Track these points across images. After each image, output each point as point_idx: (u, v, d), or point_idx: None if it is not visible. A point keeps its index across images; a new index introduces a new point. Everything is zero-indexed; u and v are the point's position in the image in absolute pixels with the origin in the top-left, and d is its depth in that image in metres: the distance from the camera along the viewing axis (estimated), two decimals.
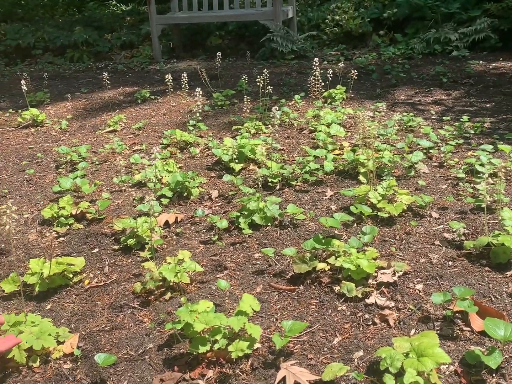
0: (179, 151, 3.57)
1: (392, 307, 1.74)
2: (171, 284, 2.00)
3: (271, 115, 3.99)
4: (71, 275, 2.15)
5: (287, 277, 2.01)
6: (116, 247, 2.39)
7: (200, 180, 2.95)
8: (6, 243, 2.55)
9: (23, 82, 4.61)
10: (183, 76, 3.98)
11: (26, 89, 4.62)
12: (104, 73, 4.92)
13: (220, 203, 2.76)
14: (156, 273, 1.97)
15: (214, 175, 3.15)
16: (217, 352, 1.57)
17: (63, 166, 3.53)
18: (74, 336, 1.78)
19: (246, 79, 4.35)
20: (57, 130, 4.47)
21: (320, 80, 3.85)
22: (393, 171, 2.80)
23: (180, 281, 1.98)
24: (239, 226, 2.38)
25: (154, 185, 2.90)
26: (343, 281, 1.84)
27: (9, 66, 8.13)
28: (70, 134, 4.34)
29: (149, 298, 1.97)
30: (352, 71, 3.99)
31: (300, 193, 2.74)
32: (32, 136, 4.39)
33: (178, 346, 1.69)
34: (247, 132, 3.63)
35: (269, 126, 3.84)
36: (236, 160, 3.13)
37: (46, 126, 4.63)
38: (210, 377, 1.54)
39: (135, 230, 2.37)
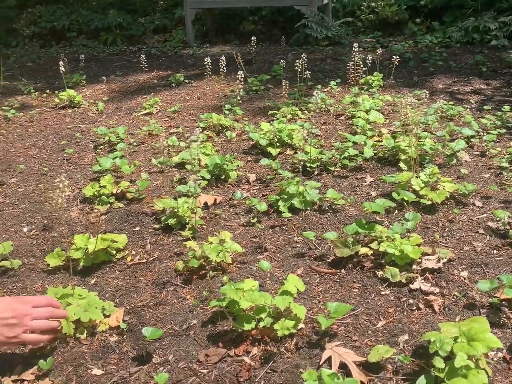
0: (215, 134, 3.58)
1: (437, 293, 1.73)
2: (213, 263, 2.02)
3: (307, 101, 3.99)
4: (114, 252, 2.18)
5: (328, 260, 2.02)
6: (156, 226, 2.42)
7: (238, 164, 2.96)
8: (49, 219, 2.60)
9: (61, 63, 4.67)
10: (221, 59, 3.98)
11: (64, 70, 4.68)
12: (141, 55, 4.95)
13: (258, 187, 2.76)
14: (199, 252, 2.00)
15: (251, 159, 3.15)
16: (262, 330, 1.59)
17: (101, 146, 3.58)
18: (119, 310, 1.82)
19: (284, 63, 4.32)
20: (94, 112, 4.52)
21: (361, 66, 3.81)
22: (434, 159, 2.76)
23: (222, 260, 2.00)
24: (278, 209, 2.39)
25: (193, 167, 2.91)
26: (386, 266, 1.83)
27: (44, 48, 8.24)
28: (106, 116, 4.39)
29: (191, 276, 2.00)
30: (394, 57, 3.93)
31: (339, 178, 2.73)
32: (69, 116, 4.45)
33: (222, 323, 1.71)
34: (283, 117, 3.62)
35: (305, 111, 3.83)
36: (273, 145, 3.13)
37: (82, 107, 4.69)
38: (255, 354, 1.55)
39: (176, 210, 2.39)
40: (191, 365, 1.55)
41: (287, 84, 3.67)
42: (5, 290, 2.03)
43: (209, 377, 1.50)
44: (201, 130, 3.68)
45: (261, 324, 1.57)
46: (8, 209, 2.79)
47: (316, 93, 2.61)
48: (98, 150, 3.53)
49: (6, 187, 3.09)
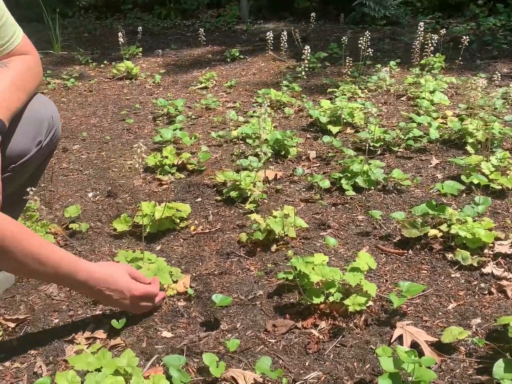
0: (273, 110, 3.57)
1: (510, 278, 1.69)
2: (277, 237, 2.03)
3: (367, 80, 3.91)
4: (178, 221, 2.22)
5: (394, 241, 1.99)
6: (218, 198, 2.44)
7: (297, 140, 2.94)
8: (113, 186, 2.66)
9: (120, 34, 4.73)
10: (283, 34, 3.94)
11: (122, 42, 4.73)
12: (200, 29, 4.95)
13: (318, 164, 2.75)
14: (263, 225, 2.00)
15: (310, 136, 3.13)
16: (331, 305, 1.59)
17: (160, 118, 3.62)
18: (186, 276, 1.85)
19: (346, 40, 4.23)
20: (151, 84, 4.57)
21: (429, 45, 3.70)
22: (502, 143, 2.68)
23: (287, 235, 2.00)
24: (341, 187, 2.37)
25: (253, 142, 2.92)
26: (457, 249, 1.80)
27: (99, 19, 8.36)
28: (163, 88, 4.43)
29: (255, 249, 2.01)
30: (464, 37, 3.79)
31: (403, 159, 2.69)
32: (127, 88, 4.52)
33: (288, 295, 1.72)
34: (342, 95, 3.57)
35: (365, 90, 3.76)
36: (333, 123, 3.10)
37: (139, 79, 4.74)
38: (323, 328, 1.56)
39: (238, 183, 2.40)
40: (258, 334, 1.57)
41: (350, 61, 3.61)
42: (73, 252, 2.09)
43: (277, 346, 1.52)
44: (258, 106, 3.68)
45: (331, 299, 1.57)
46: (72, 175, 2.86)
47: (385, 70, 2.57)
48: (157, 122, 3.57)
49: (70, 154, 3.17)
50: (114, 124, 3.60)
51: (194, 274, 1.88)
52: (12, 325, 1.67)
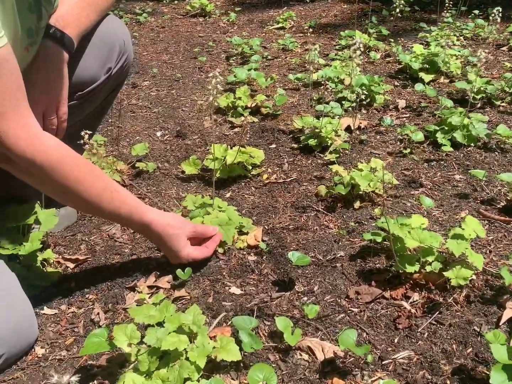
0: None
1: None
2: (361, 192, 1.80)
3: (462, 27, 3.50)
4: (250, 167, 2.03)
5: (498, 206, 1.72)
6: (294, 145, 2.22)
7: (385, 87, 2.65)
8: (182, 126, 2.49)
9: None
10: None
11: None
12: None
13: (408, 115, 2.46)
14: (347, 178, 1.78)
15: (398, 84, 2.83)
16: (426, 275, 1.37)
17: (234, 57, 3.40)
18: (258, 229, 1.67)
19: None
20: (225, 22, 4.33)
21: None
22: None
23: (373, 190, 1.77)
24: (436, 141, 2.09)
25: (336, 86, 2.65)
26: None
27: None
28: (238, 27, 4.18)
29: (335, 204, 1.80)
30: None
31: (506, 115, 2.36)
32: (200, 25, 4.30)
33: (374, 260, 1.51)
34: (435, 40, 3.20)
35: (460, 38, 3.37)
36: (426, 70, 2.77)
37: (213, 17, 4.51)
38: (416, 300, 1.34)
39: (317, 130, 2.17)
40: (339, 301, 1.38)
41: (450, 4, 3.22)
42: (139, 192, 1.95)
43: (360, 317, 1.32)
44: (340, 48, 3.38)
45: (428, 269, 1.34)
46: (141, 112, 2.72)
47: (496, 10, 2.21)
48: (230, 61, 3.35)
49: (139, 90, 3.03)
50: (186, 61, 3.41)
51: (266, 227, 1.70)
52: (71, 265, 1.56)
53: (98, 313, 1.37)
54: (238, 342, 1.18)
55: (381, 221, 1.45)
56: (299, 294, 1.41)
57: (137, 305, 1.39)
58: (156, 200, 1.89)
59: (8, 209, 1.53)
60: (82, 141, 1.36)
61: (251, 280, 1.47)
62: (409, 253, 1.40)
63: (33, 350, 1.28)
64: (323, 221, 1.72)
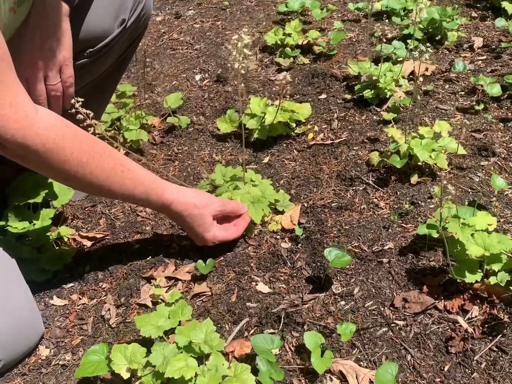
0: None
1: None
2: (420, 164, 1.53)
3: None
4: (293, 125, 1.78)
5: None
6: (347, 96, 1.93)
7: (459, 21, 2.25)
8: (223, 68, 2.24)
9: None
10: None
11: None
12: None
13: (485, 57, 2.08)
14: (404, 147, 1.51)
15: (476, 15, 2.40)
16: (491, 287, 1.13)
17: None
18: (296, 207, 1.46)
19: None
20: None
21: None
22: None
23: (435, 163, 1.49)
24: None
25: (401, 20, 2.28)
26: None
27: None
28: None
29: (388, 176, 1.54)
30: None
31: None
32: None
33: (428, 256, 1.28)
34: None
35: None
36: None
37: None
38: (475, 316, 1.12)
39: (375, 79, 1.87)
40: (382, 310, 1.17)
41: None
42: (169, 153, 1.77)
43: (406, 333, 1.12)
44: None
45: (492, 280, 1.10)
46: (182, 49, 2.47)
47: None
48: None
49: (182, 21, 2.76)
50: None
51: (305, 205, 1.48)
52: (88, 243, 1.43)
53: (109, 309, 1.24)
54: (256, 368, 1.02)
55: (436, 214, 1.20)
56: (336, 297, 1.21)
57: (151, 301, 1.24)
58: (186, 164, 1.70)
59: (17, 180, 1.39)
60: (73, 111, 1.14)
61: (282, 274, 1.28)
62: (471, 257, 1.15)
63: (37, 350, 1.17)
64: (372, 198, 1.48)
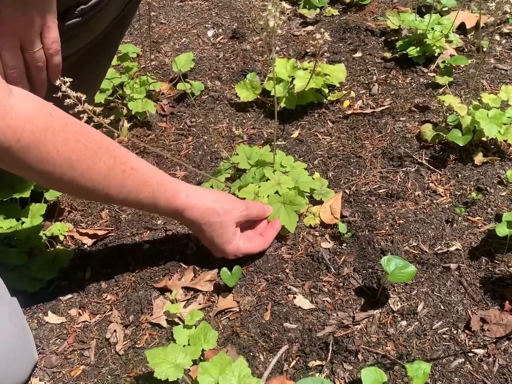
0: None
1: None
2: (484, 139, 1.26)
3: None
4: (326, 91, 1.50)
5: None
6: (387, 54, 1.64)
7: None
8: (239, 22, 1.94)
9: None
10: None
11: None
12: None
13: None
14: (467, 119, 1.24)
15: None
16: None
17: None
18: (336, 196, 1.21)
19: None
20: None
21: None
22: None
23: (504, 140, 1.23)
24: None
25: None
26: None
27: None
28: None
29: (446, 155, 1.28)
30: None
31: None
32: None
33: (507, 260, 1.03)
34: None
35: None
36: None
37: None
38: None
39: (420, 33, 1.57)
40: (455, 333, 0.94)
41: None
42: (181, 126, 1.50)
43: (488, 366, 0.89)
44: None
45: None
46: (191, 0, 2.16)
47: None
48: None
49: None
50: None
51: (347, 192, 1.23)
52: (89, 242, 1.19)
53: (115, 330, 1.01)
54: None
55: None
56: (395, 315, 0.98)
57: (166, 320, 1.01)
58: (201, 140, 1.44)
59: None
60: (60, 94, 0.87)
61: (325, 284, 1.04)
62: None
63: (30, 383, 0.96)
64: (428, 182, 1.23)
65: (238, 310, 1.02)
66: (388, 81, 1.55)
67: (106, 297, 1.08)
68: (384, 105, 1.47)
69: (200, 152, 1.41)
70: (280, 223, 1.09)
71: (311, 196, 1.20)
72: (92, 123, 0.90)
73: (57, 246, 1.17)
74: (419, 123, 1.38)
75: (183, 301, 1.04)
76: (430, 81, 1.51)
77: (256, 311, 1.01)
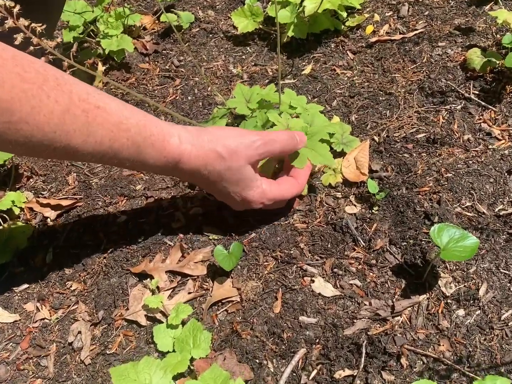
0: None
1: None
2: None
3: None
4: (343, 14, 1.21)
5: None
6: None
7: None
8: None
9: None
10: None
11: None
12: None
13: None
14: None
15: None
16: None
17: None
18: (362, 145, 0.94)
19: None
20: None
21: None
22: None
23: None
24: None
25: None
26: None
27: None
28: None
29: (500, 86, 1.00)
30: None
31: None
32: None
33: None
34: None
35: None
36: None
37: None
38: None
39: None
40: None
41: None
42: (167, 67, 1.23)
43: None
44: None
45: None
46: None
47: None
48: None
49: None
50: None
51: (376, 139, 0.96)
52: (52, 214, 0.95)
53: (79, 332, 0.77)
54: None
55: None
56: (449, 301, 0.73)
57: (146, 316, 0.77)
58: (191, 83, 1.17)
59: None
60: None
61: (352, 262, 0.79)
62: None
63: None
64: (479, 123, 0.95)
65: (239, 300, 0.78)
66: (420, 0, 1.25)
67: (70, 286, 0.84)
68: (417, 29, 1.17)
69: (189, 98, 1.14)
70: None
71: (330, 147, 0.93)
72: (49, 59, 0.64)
73: (12, 223, 0.93)
74: (463, 48, 1.09)
75: (168, 289, 0.80)
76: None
77: (263, 300, 0.77)
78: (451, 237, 0.69)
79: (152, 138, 0.70)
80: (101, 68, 1.24)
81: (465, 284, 0.74)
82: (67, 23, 1.27)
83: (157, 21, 1.36)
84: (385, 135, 0.96)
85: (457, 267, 0.76)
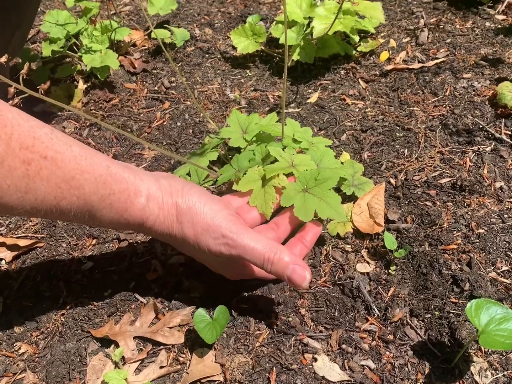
0: None
1: None
2: None
3: None
4: (356, 38, 1.08)
5: None
6: None
7: None
8: None
9: None
10: None
11: None
12: None
13: None
14: None
15: None
16: None
17: None
18: (377, 189, 0.80)
19: None
20: None
21: None
22: None
23: None
24: None
25: None
26: None
27: None
28: None
29: None
30: None
31: None
32: None
33: None
34: None
35: None
36: None
37: None
38: None
39: None
40: None
41: None
42: (156, 88, 1.09)
43: None
44: None
45: None
46: None
47: None
48: None
49: None
50: None
51: (392, 182, 0.82)
52: (7, 256, 0.81)
53: None
54: None
55: None
56: None
57: None
58: (182, 107, 1.03)
59: None
60: None
61: (364, 336, 0.64)
62: None
63: None
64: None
65: (222, 380, 0.62)
66: (441, 26, 1.12)
67: (19, 349, 0.69)
68: (438, 58, 1.05)
69: (179, 124, 1.01)
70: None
71: (337, 188, 0.79)
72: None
73: None
74: (491, 81, 0.96)
75: (135, 361, 0.64)
76: (500, 25, 1.09)
77: (252, 382, 0.61)
78: (492, 317, 0.55)
79: (112, 197, 0.57)
80: (81, 86, 1.11)
81: (505, 373, 0.59)
82: (48, 34, 1.14)
83: (148, 38, 1.23)
84: (403, 178, 0.82)
85: (493, 350, 0.61)
